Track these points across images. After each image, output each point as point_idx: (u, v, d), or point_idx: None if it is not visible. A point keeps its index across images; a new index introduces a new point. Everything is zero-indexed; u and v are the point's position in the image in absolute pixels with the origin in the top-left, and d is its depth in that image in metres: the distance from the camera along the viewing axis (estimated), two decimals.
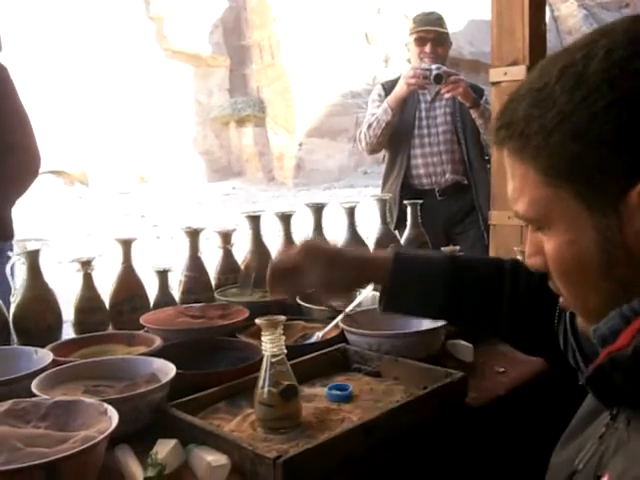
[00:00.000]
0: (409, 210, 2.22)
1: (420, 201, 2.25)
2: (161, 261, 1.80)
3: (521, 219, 0.80)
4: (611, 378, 0.66)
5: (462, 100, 3.17)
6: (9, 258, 1.61)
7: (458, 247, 1.92)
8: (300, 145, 16.02)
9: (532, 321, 1.14)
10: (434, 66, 3.10)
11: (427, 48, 3.25)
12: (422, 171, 3.31)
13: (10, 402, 1.05)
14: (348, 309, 1.60)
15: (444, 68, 3.10)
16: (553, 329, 1.12)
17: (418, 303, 1.20)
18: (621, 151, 0.67)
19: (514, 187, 0.78)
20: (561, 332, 1.11)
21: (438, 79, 3.07)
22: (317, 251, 1.23)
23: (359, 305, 1.65)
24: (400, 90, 3.19)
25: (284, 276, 1.24)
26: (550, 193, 0.73)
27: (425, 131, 3.32)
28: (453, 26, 3.91)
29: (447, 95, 3.17)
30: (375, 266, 1.23)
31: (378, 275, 1.22)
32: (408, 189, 3.27)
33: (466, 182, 3.32)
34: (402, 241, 2.23)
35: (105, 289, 1.71)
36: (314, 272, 1.20)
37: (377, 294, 1.69)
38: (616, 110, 0.67)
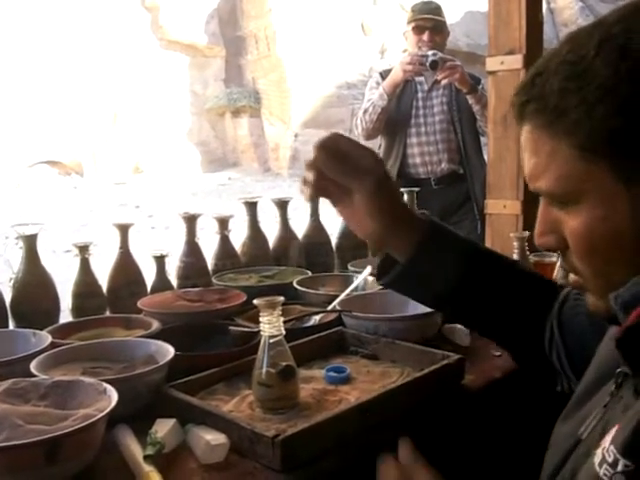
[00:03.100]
0: (406, 198, 2.23)
1: (417, 189, 2.26)
2: (157, 249, 1.80)
3: (543, 195, 0.79)
4: None
5: (459, 86, 3.18)
6: None
7: None
8: (296, 136, 15.98)
9: (530, 322, 1.14)
10: (430, 52, 3.12)
11: (425, 36, 3.27)
12: (418, 160, 3.32)
13: (9, 381, 1.06)
14: (345, 293, 1.61)
15: (440, 54, 3.12)
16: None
17: (434, 280, 1.10)
18: None
19: (537, 163, 0.77)
20: (547, 331, 1.11)
21: (434, 65, 3.08)
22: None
23: (355, 289, 1.67)
24: (396, 75, 3.20)
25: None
26: (584, 168, 0.72)
27: (422, 120, 3.33)
28: (450, 17, 3.92)
29: (444, 81, 3.18)
30: (413, 219, 1.10)
31: (410, 230, 1.09)
32: (404, 178, 3.29)
33: (462, 171, 3.33)
34: None
35: (101, 278, 1.71)
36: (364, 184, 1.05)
37: (371, 276, 1.71)
38: None
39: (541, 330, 1.12)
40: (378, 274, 1.16)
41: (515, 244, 1.84)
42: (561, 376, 1.09)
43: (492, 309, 1.15)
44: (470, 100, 3.20)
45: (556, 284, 1.19)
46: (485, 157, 2.98)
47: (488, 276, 1.14)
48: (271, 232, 2.05)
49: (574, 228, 0.76)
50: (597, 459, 0.64)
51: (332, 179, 1.06)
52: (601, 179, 0.72)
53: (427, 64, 3.09)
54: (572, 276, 0.82)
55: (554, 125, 0.74)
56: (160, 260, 1.78)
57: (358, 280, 1.69)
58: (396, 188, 1.12)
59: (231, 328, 1.43)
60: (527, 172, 0.79)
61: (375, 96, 3.27)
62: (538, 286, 1.16)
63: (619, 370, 0.74)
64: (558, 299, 1.12)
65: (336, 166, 1.05)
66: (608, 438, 0.64)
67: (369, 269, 1.72)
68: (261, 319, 1.12)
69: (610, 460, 0.62)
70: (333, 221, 2.16)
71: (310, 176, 1.06)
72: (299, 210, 2.11)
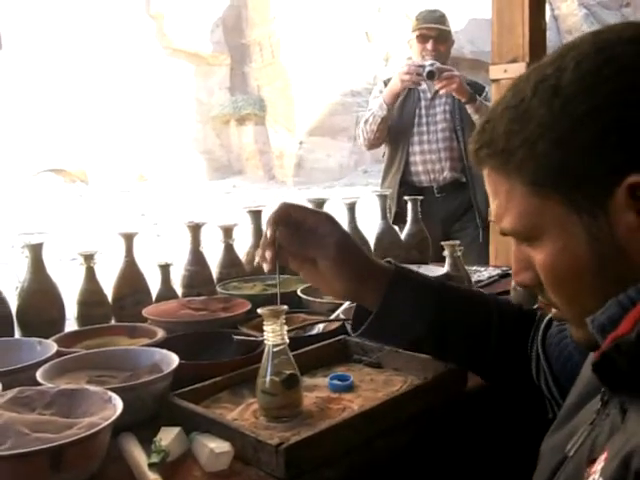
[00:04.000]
0: (409, 206, 2.24)
1: (420, 197, 2.27)
2: (162, 257, 1.81)
3: (509, 234, 0.81)
4: (616, 364, 0.67)
5: (457, 96, 3.18)
6: None
7: (458, 242, 1.93)
8: (300, 144, 16.02)
9: (515, 354, 1.17)
10: (428, 62, 3.11)
11: (429, 45, 3.27)
12: (421, 168, 3.33)
13: (15, 390, 1.06)
14: (348, 302, 1.61)
15: (438, 64, 3.11)
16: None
17: (405, 327, 1.16)
18: (604, 153, 0.69)
19: (499, 204, 0.80)
20: (534, 360, 1.14)
21: (431, 75, 3.08)
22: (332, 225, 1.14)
23: None
24: (394, 86, 3.21)
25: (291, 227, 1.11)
26: (538, 203, 0.75)
27: (424, 128, 3.34)
28: (454, 25, 3.92)
29: (442, 91, 3.18)
30: (379, 271, 1.17)
31: (377, 283, 1.15)
32: (407, 186, 3.29)
33: (464, 180, 3.33)
34: (402, 237, 2.24)
35: (106, 287, 1.72)
36: (325, 249, 1.12)
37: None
38: (595, 115, 0.69)
39: (525, 359, 1.15)
40: (353, 326, 1.21)
41: None
42: (551, 403, 1.12)
43: (469, 346, 1.19)
44: (469, 109, 3.19)
45: (534, 311, 1.22)
46: None
47: (459, 314, 1.18)
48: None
49: (541, 262, 0.77)
50: None
51: (291, 250, 1.12)
52: (555, 212, 0.74)
53: (424, 74, 3.09)
54: (553, 309, 0.83)
55: (506, 166, 0.76)
56: (165, 269, 1.78)
57: None
58: (357, 245, 1.17)
59: (235, 337, 1.43)
60: (492, 214, 0.82)
61: (375, 106, 3.29)
62: (513, 316, 1.20)
63: (604, 389, 0.75)
64: (540, 326, 1.16)
65: (294, 239, 1.11)
66: (598, 467, 0.65)
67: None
68: (265, 328, 1.13)
69: None
70: None
71: (268, 253, 1.10)
72: None
